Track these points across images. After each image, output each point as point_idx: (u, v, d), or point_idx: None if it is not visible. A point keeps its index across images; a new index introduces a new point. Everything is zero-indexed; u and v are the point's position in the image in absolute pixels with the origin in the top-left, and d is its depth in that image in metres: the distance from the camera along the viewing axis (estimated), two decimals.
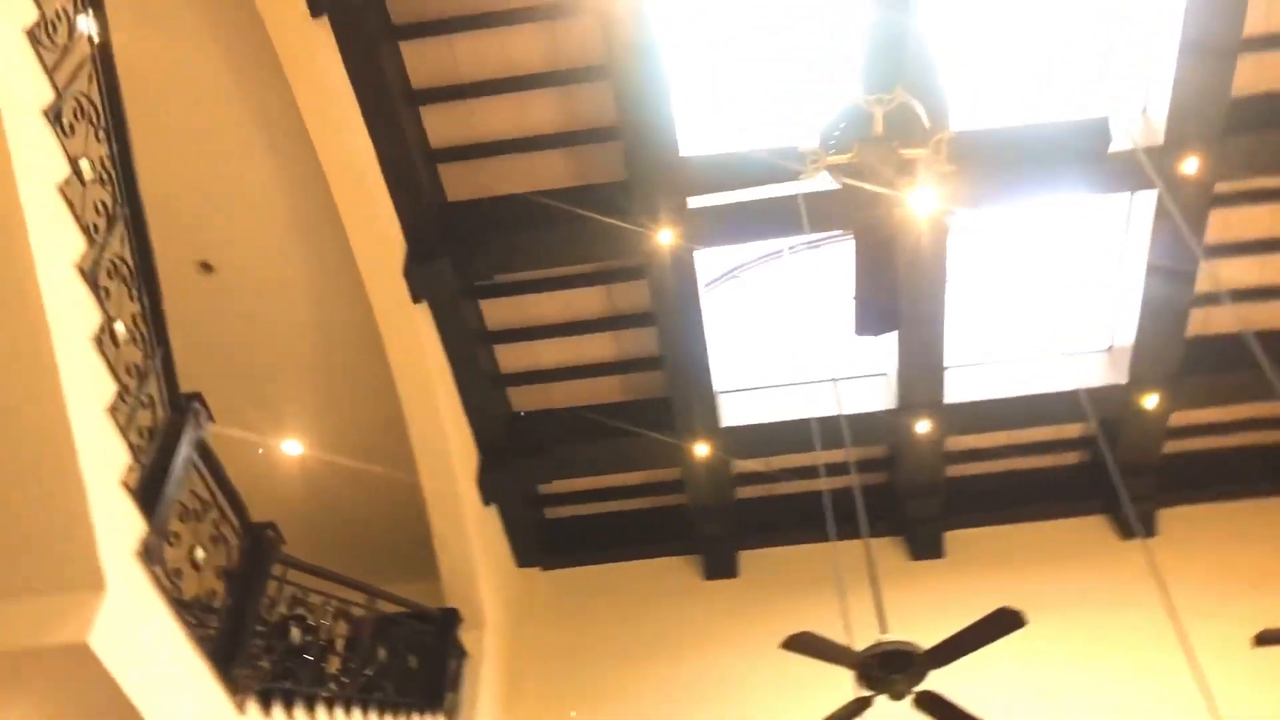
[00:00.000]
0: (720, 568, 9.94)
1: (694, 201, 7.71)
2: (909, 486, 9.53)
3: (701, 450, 9.11)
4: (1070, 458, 9.76)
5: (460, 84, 7.44)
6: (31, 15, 4.23)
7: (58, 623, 4.53)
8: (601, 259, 8.26)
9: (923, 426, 8.92)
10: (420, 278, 7.92)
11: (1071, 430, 9.46)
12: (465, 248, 8.00)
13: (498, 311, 8.75)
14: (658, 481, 10.01)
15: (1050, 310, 9.50)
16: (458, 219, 8.05)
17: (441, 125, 7.69)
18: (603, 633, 9.64)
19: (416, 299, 7.97)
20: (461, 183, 8.00)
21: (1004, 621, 5.61)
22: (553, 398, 9.37)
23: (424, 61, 7.36)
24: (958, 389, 8.99)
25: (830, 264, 9.13)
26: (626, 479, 9.98)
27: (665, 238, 7.65)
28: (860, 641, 6.15)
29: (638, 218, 7.64)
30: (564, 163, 7.84)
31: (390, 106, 7.32)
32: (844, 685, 6.45)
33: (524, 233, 7.97)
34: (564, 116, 7.62)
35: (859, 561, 7.43)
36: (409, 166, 7.63)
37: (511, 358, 9.07)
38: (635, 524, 10.26)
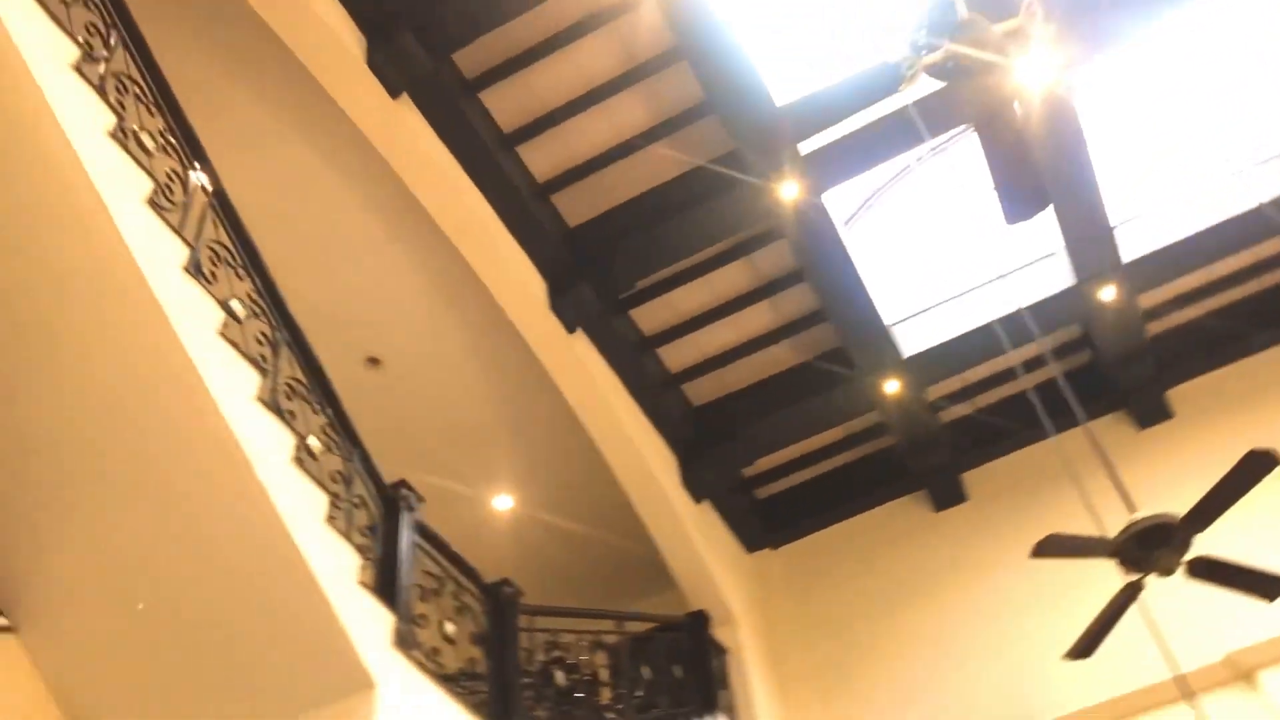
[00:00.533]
0: (947, 496, 9.70)
1: (805, 147, 7.55)
2: (1114, 358, 9.08)
3: (892, 387, 8.92)
4: (1276, 277, 9.11)
5: (546, 114, 7.49)
6: (147, 185, 4.49)
7: None
8: (733, 233, 8.18)
9: (1108, 294, 8.49)
10: (567, 309, 8.02)
11: (1268, 248, 8.82)
12: (600, 266, 8.06)
13: (650, 316, 8.78)
14: (858, 431, 9.85)
15: (1205, 134, 8.91)
16: (585, 241, 8.12)
17: (542, 158, 7.77)
18: (850, 591, 9.54)
19: (570, 329, 8.08)
20: (577, 206, 8.07)
21: (1256, 465, 5.28)
22: (729, 381, 9.34)
23: (507, 104, 7.45)
24: (1133, 244, 8.53)
25: (961, 163, 8.81)
26: (826, 438, 9.86)
27: (789, 191, 7.52)
28: (1112, 527, 5.91)
29: (755, 182, 7.54)
30: (668, 153, 7.80)
31: (490, 158, 7.45)
32: (1109, 576, 6.20)
33: (650, 233, 7.97)
34: (653, 110, 7.58)
35: (1086, 448, 7.16)
36: (524, 208, 7.75)
37: (677, 356, 9.09)
38: (849, 478, 10.12)
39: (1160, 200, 8.82)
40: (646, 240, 8.00)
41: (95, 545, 4.82)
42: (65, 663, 4.98)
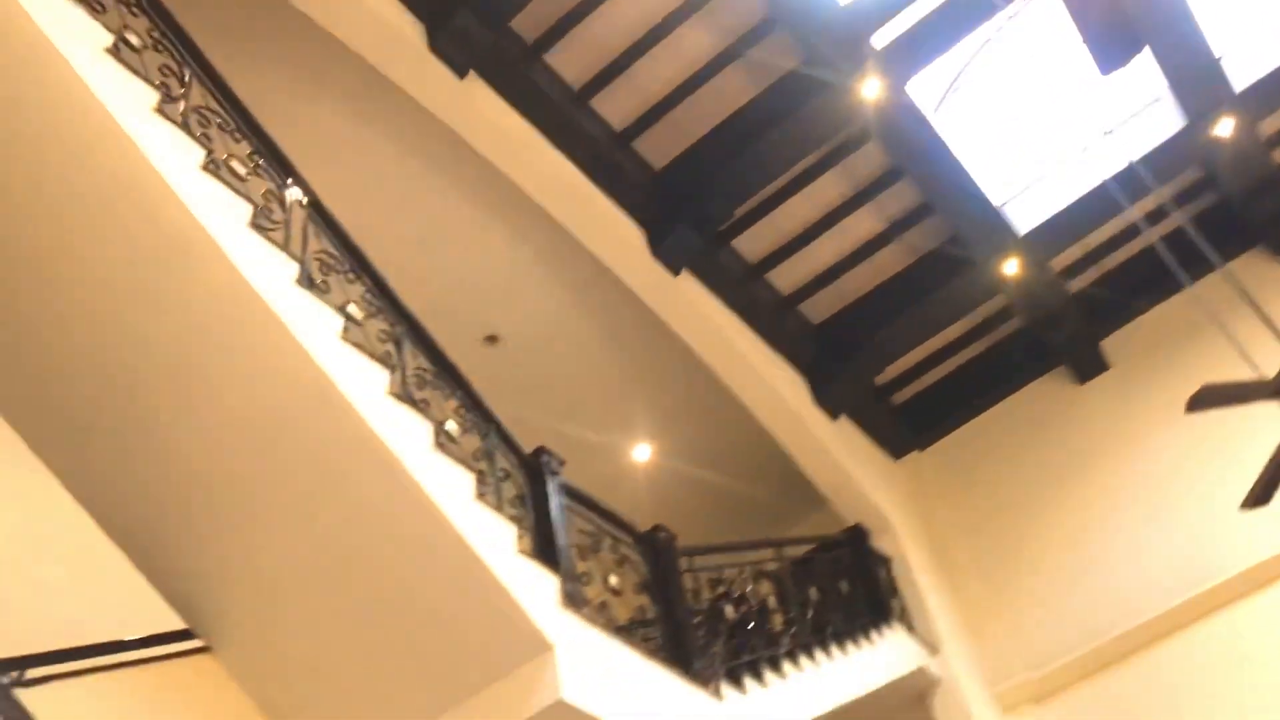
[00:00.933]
0: (1089, 367, 9.43)
1: (878, 40, 7.34)
2: (1241, 193, 8.65)
3: (1011, 268, 8.65)
4: None
5: (613, 61, 7.44)
6: (246, 209, 4.62)
7: (531, 692, 4.91)
8: (821, 144, 8.02)
9: (1224, 128, 8.06)
10: (668, 253, 8.01)
11: None
12: (693, 203, 8.01)
13: (753, 242, 8.70)
14: (985, 318, 9.63)
15: None
16: (675, 182, 8.07)
17: (616, 107, 7.73)
18: (1005, 479, 9.38)
19: (676, 272, 8.07)
20: (660, 147, 8.02)
21: None
22: (845, 292, 9.20)
23: (572, 61, 7.42)
24: (1243, 72, 8.07)
25: (1043, 24, 8.44)
26: (954, 331, 9.66)
27: (871, 89, 7.32)
28: (1269, 368, 5.68)
29: (834, 86, 7.37)
30: (741, 76, 7.67)
31: (565, 118, 7.46)
32: (1275, 418, 5.97)
33: (738, 160, 7.87)
34: (719, 36, 7.45)
35: (1228, 292, 6.89)
36: (609, 160, 7.75)
37: (788, 277, 8.99)
38: (985, 367, 9.91)
39: (1265, 19, 8.31)
40: (736, 168, 7.91)
41: (273, 559, 5.02)
42: (263, 672, 5.24)
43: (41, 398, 4.78)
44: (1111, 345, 9.41)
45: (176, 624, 5.18)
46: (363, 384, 4.75)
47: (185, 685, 5.03)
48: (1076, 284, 9.33)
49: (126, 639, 4.91)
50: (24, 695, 4.07)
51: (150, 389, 4.67)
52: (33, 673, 4.37)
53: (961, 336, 9.75)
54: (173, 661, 5.04)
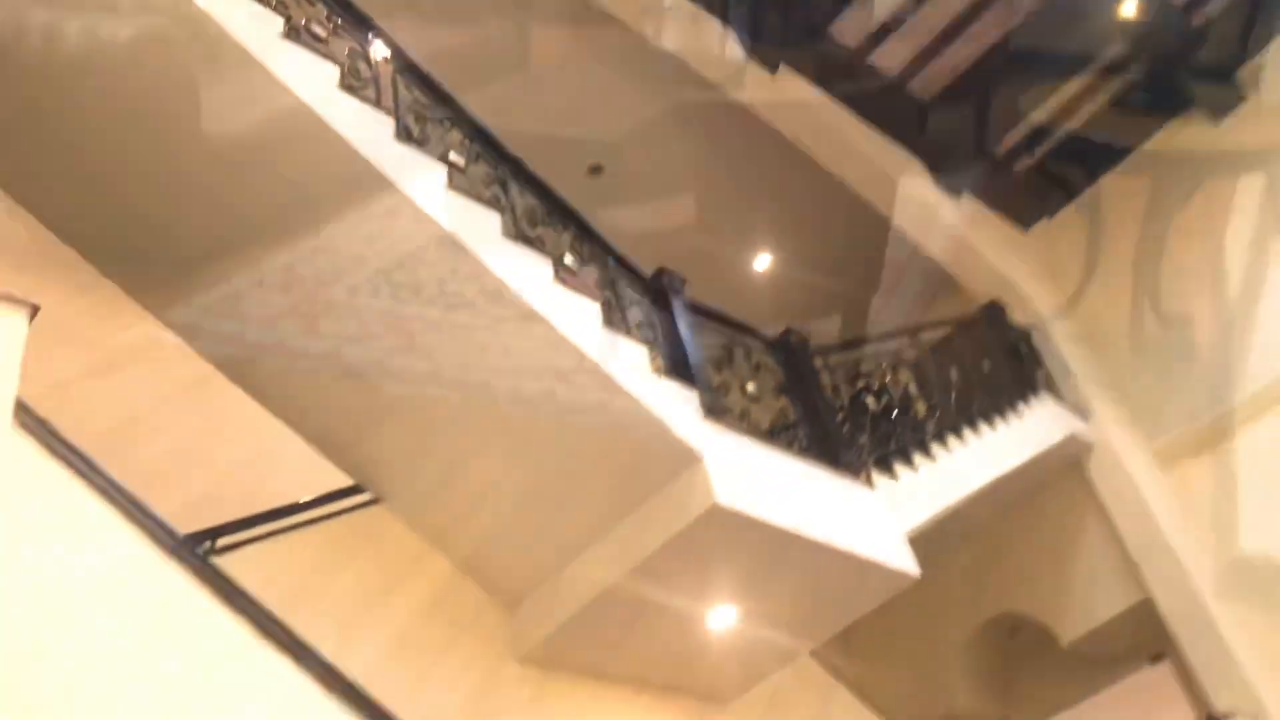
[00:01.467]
0: (1224, 102, 8.77)
1: None
2: None
3: (1128, 9, 8.08)
4: None
5: None
6: (334, 71, 4.62)
7: (687, 501, 5.06)
8: None
9: None
10: (761, 51, 7.75)
11: None
12: None
13: (850, 28, 8.29)
14: (1104, 67, 9.04)
15: None
16: None
17: None
18: (1143, 233, 8.93)
19: (774, 70, 7.80)
20: None
21: None
22: (954, 63, 8.71)
23: None
24: None
25: None
26: (1072, 88, 9.10)
27: None
28: None
29: None
30: None
31: None
32: None
33: None
34: None
35: None
36: None
37: (891, 57, 8.57)
38: (1110, 121, 9.32)
39: None
40: None
41: (424, 407, 5.15)
42: (431, 515, 5.50)
43: (191, 297, 4.96)
44: (1248, 75, 8.76)
45: (345, 481, 5.45)
46: (477, 228, 4.79)
47: (362, 535, 5.34)
48: (1201, 14, 8.66)
49: (302, 500, 5.20)
50: (219, 561, 4.37)
51: (283, 262, 4.79)
52: (223, 541, 4.69)
53: (1081, 92, 9.18)
54: (347, 516, 5.34)
